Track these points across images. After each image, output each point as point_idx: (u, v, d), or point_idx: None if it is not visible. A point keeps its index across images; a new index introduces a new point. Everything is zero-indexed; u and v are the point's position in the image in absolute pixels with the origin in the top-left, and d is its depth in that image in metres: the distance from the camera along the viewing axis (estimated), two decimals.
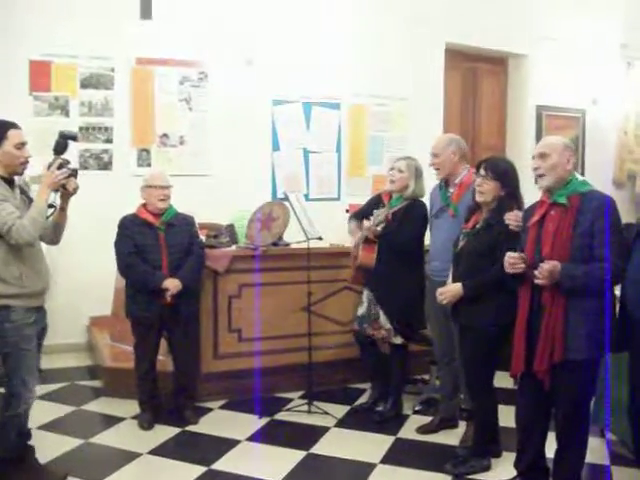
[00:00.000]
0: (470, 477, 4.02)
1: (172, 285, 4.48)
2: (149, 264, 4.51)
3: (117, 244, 4.57)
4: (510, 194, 3.86)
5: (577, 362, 3.30)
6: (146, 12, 6.10)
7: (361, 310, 4.86)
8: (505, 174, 3.87)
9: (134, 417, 4.76)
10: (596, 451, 4.33)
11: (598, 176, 7.72)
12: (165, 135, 6.31)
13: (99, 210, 5.89)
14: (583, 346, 3.28)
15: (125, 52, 6.17)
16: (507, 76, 7.90)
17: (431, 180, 4.66)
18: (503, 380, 3.96)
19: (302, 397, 5.17)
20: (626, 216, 4.17)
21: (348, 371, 5.46)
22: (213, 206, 5.63)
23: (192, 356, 4.85)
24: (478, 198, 3.89)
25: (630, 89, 8.05)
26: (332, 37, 6.61)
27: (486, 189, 3.84)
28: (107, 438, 4.48)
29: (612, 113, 8.17)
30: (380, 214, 4.54)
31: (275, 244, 5.20)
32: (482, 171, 3.86)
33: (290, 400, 5.17)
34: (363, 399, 5.21)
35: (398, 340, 4.73)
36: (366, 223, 4.60)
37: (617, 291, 3.49)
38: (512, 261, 3.35)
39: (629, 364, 3.43)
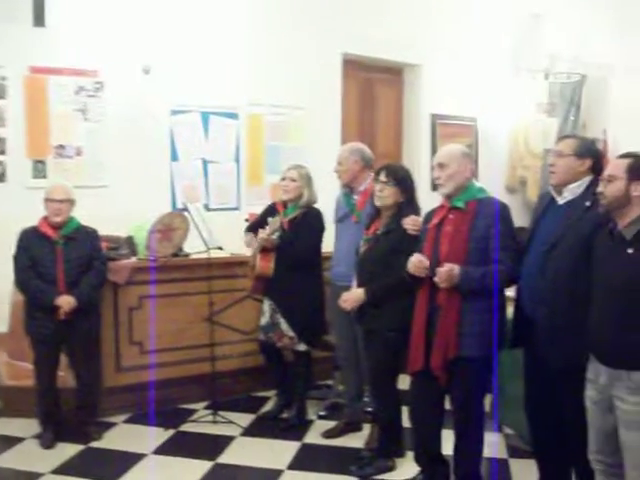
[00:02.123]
0: (375, 478, 4.11)
1: (64, 303, 4.39)
2: (45, 278, 4.40)
3: (15, 258, 4.46)
4: (408, 200, 3.98)
5: (470, 359, 3.44)
6: (39, 19, 5.94)
7: (264, 320, 4.89)
8: (404, 180, 4.00)
9: (35, 436, 4.63)
10: (495, 445, 4.50)
11: (491, 182, 7.95)
12: (61, 146, 6.15)
13: None
14: (476, 344, 3.43)
15: (18, 60, 5.98)
16: (403, 86, 8.07)
17: (330, 186, 4.74)
18: (404, 382, 4.05)
19: (207, 407, 5.16)
20: (518, 220, 4.35)
21: (252, 380, 5.48)
22: (112, 218, 5.51)
23: (93, 371, 4.76)
24: (377, 202, 3.99)
25: (520, 98, 8.36)
26: (230, 47, 6.60)
27: (387, 194, 3.95)
28: (7, 460, 4.34)
29: (503, 121, 8.46)
30: (274, 222, 4.59)
31: (175, 255, 5.17)
32: (383, 177, 3.97)
33: (195, 411, 5.14)
34: (268, 407, 5.24)
35: (302, 347, 4.78)
36: (262, 233, 4.64)
37: (509, 292, 3.66)
38: (418, 264, 3.46)
39: (523, 360, 3.59)
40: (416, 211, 3.99)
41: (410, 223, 3.86)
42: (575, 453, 3.30)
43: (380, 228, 4.02)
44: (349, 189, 4.61)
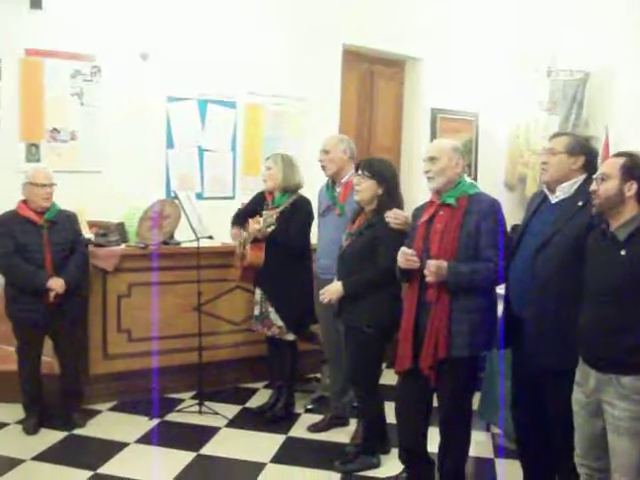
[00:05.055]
0: (359, 474, 4.07)
1: (56, 285, 4.35)
2: (32, 263, 4.34)
3: None
4: (388, 193, 3.92)
5: (459, 358, 3.39)
6: (36, 1, 5.90)
7: (256, 310, 4.85)
8: (380, 173, 3.94)
9: (19, 422, 4.59)
10: (482, 444, 4.48)
11: (490, 178, 7.94)
12: (55, 130, 6.10)
13: None
14: (465, 343, 3.38)
15: (14, 42, 5.92)
16: (404, 79, 8.01)
17: (316, 178, 4.70)
18: (391, 377, 4.01)
19: (193, 397, 5.12)
20: (517, 217, 4.30)
21: (240, 371, 5.45)
22: (104, 203, 5.48)
23: (78, 357, 4.72)
24: (355, 197, 3.99)
25: (521, 95, 8.29)
26: (230, 35, 6.54)
27: (363, 187, 3.92)
28: None
29: (505, 117, 8.39)
30: (270, 216, 4.53)
31: (166, 243, 5.13)
32: (359, 170, 3.95)
33: (181, 401, 5.11)
34: (256, 398, 5.22)
35: (290, 337, 4.74)
36: (252, 223, 4.60)
37: (499, 290, 3.60)
38: (408, 257, 3.41)
39: (511, 360, 3.54)
40: (398, 204, 3.95)
41: (392, 216, 3.81)
42: (560, 456, 3.25)
43: (363, 223, 3.98)
44: (332, 181, 4.57)
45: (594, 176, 2.95)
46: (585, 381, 2.93)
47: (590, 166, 3.23)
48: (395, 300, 3.78)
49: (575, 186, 3.22)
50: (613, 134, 7.47)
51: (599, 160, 3.46)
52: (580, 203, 3.14)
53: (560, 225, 3.16)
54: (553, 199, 3.28)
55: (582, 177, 3.22)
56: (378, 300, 3.83)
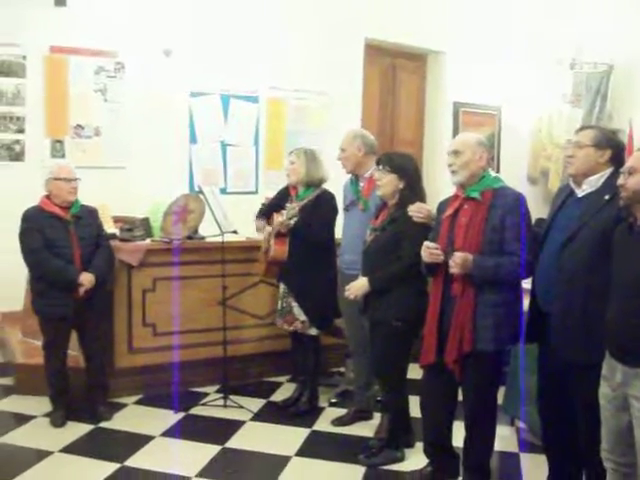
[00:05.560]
0: (383, 468, 4.07)
1: (87, 280, 4.39)
2: (61, 258, 4.37)
3: (24, 238, 4.40)
4: (410, 187, 3.92)
5: (484, 352, 3.38)
6: None
7: (280, 304, 4.86)
8: (401, 167, 3.94)
9: (46, 415, 4.64)
10: (506, 439, 4.46)
11: (513, 172, 7.91)
12: (79, 126, 6.16)
13: (10, 202, 5.69)
14: (490, 337, 3.38)
15: (38, 40, 5.99)
16: (426, 72, 8.00)
17: (340, 172, 4.71)
18: (415, 371, 4.01)
19: (218, 391, 5.15)
20: (539, 211, 4.28)
21: (264, 364, 5.47)
22: (129, 199, 5.54)
23: (104, 350, 4.76)
24: (377, 192, 3.99)
25: (544, 88, 8.25)
26: (252, 30, 6.57)
27: (384, 182, 3.92)
28: (17, 437, 4.35)
29: (527, 111, 8.36)
30: (292, 208, 4.55)
31: (190, 237, 5.15)
32: (379, 165, 3.96)
33: (206, 394, 5.13)
34: (280, 392, 5.23)
35: (314, 331, 4.75)
36: (277, 216, 4.61)
37: (525, 284, 3.59)
38: (431, 251, 3.41)
39: (538, 355, 3.53)
40: (421, 198, 3.94)
41: (415, 210, 3.81)
42: (587, 451, 3.23)
43: (386, 218, 3.98)
44: (355, 176, 4.58)
45: (621, 170, 2.93)
46: (612, 375, 2.91)
47: (617, 159, 3.20)
48: (421, 295, 3.77)
49: (602, 180, 3.20)
50: (637, 127, 7.41)
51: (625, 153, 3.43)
52: (607, 197, 3.11)
53: (586, 219, 3.14)
54: (579, 193, 3.26)
55: (609, 170, 3.20)
56: (404, 295, 3.82)
